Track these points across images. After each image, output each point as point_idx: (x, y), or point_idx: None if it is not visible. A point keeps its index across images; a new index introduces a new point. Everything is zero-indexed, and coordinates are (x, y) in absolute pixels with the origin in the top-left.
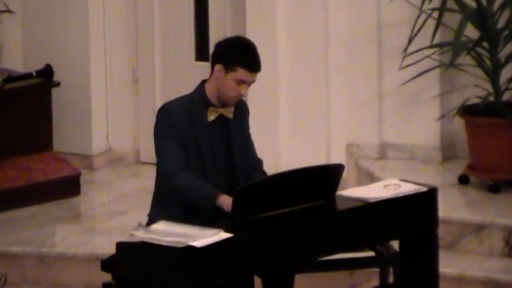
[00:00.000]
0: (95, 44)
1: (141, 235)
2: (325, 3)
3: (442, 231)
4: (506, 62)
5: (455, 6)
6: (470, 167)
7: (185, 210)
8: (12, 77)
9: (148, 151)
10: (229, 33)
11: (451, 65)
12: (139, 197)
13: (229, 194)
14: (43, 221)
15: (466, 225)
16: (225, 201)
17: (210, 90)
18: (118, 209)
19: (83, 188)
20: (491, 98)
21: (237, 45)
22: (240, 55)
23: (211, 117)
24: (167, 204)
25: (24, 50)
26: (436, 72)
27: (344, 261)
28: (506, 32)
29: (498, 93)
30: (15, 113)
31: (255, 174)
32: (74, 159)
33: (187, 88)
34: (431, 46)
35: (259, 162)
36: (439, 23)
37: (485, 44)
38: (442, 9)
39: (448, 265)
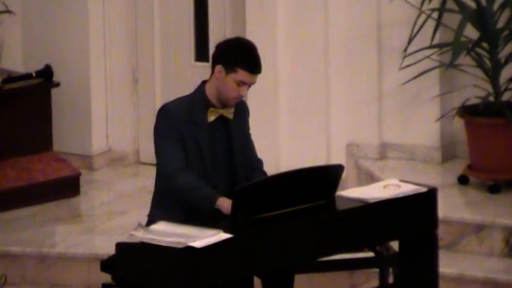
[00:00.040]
0: (94, 44)
1: (141, 235)
2: (325, 3)
3: (442, 231)
4: (506, 62)
5: (455, 7)
6: (470, 167)
7: (185, 210)
8: (12, 78)
9: (148, 151)
10: (229, 33)
11: (451, 65)
12: (139, 197)
13: (229, 194)
14: (43, 221)
15: (466, 225)
16: (224, 203)
17: (210, 91)
18: (118, 209)
19: (82, 188)
20: (491, 98)
21: (238, 46)
22: (240, 56)
23: (211, 118)
24: (167, 204)
25: (24, 50)
26: (436, 73)
27: (344, 262)
28: (506, 32)
29: (498, 93)
30: (15, 113)
31: (255, 174)
32: (73, 160)
33: (187, 88)
34: (431, 46)
35: (259, 162)
36: (438, 23)
37: (485, 44)
38: (441, 9)
39: (447, 265)
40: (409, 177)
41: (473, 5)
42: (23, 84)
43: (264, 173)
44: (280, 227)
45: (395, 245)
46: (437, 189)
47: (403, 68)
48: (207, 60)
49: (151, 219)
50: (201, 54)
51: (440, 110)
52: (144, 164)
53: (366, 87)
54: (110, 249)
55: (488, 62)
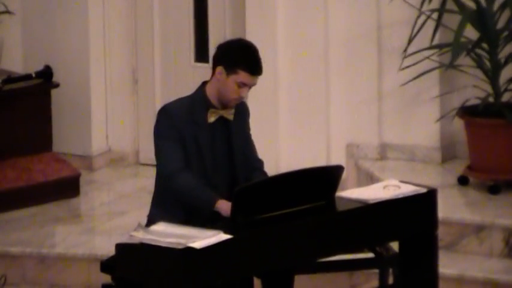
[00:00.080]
0: (94, 45)
1: (141, 236)
2: (325, 3)
3: (441, 231)
4: (506, 62)
5: (454, 7)
6: (470, 167)
7: (185, 211)
8: (11, 78)
9: (148, 151)
10: (228, 33)
11: (451, 65)
12: (139, 197)
13: (229, 194)
14: (43, 222)
15: (466, 225)
16: (223, 206)
17: (210, 92)
18: (118, 210)
19: (82, 189)
20: (491, 99)
21: (239, 48)
22: (242, 58)
23: (212, 119)
24: (167, 204)
25: (23, 51)
26: (435, 73)
27: (344, 263)
28: (505, 33)
29: (498, 94)
30: (15, 114)
31: (255, 174)
32: (73, 160)
33: (186, 89)
34: (430, 47)
35: (259, 162)
36: (438, 24)
37: (484, 45)
38: (441, 10)
39: (447, 266)
40: (409, 178)
41: (473, 5)
42: (22, 84)
43: (265, 173)
44: (280, 228)
45: (395, 245)
46: (437, 190)
47: (403, 68)
48: (206, 60)
49: (151, 220)
50: (200, 54)
51: (440, 110)
52: (144, 164)
53: (366, 87)
54: (109, 250)
55: (488, 63)
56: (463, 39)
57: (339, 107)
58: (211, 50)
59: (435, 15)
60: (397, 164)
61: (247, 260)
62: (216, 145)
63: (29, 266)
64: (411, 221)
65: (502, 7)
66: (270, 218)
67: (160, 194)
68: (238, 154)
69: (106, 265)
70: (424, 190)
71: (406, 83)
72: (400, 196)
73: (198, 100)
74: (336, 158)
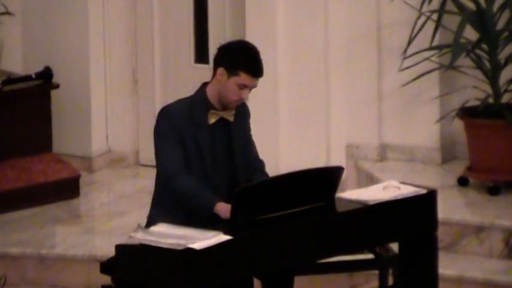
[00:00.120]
0: (94, 46)
1: (141, 237)
2: (325, 4)
3: (441, 232)
4: (506, 63)
5: (454, 8)
6: (469, 168)
7: (185, 212)
8: (11, 79)
9: (148, 152)
10: (228, 34)
11: (451, 66)
12: (139, 198)
13: (229, 195)
14: (43, 222)
15: (466, 226)
16: (223, 209)
17: (211, 93)
18: (118, 210)
19: (82, 189)
20: (491, 100)
21: (241, 49)
22: (243, 60)
23: (212, 120)
24: (167, 205)
25: (23, 52)
26: (435, 74)
27: (343, 263)
28: (505, 34)
29: (497, 94)
30: (14, 115)
31: (256, 175)
32: (73, 161)
33: (186, 89)
34: (430, 48)
35: (260, 163)
36: (438, 24)
37: (484, 46)
38: (441, 11)
39: (447, 266)
40: (409, 179)
41: (472, 6)
42: (22, 85)
43: (266, 174)
44: (280, 229)
45: (395, 246)
46: (436, 191)
47: (403, 69)
48: (206, 61)
49: (151, 220)
50: (200, 55)
51: (440, 111)
52: (143, 165)
53: (366, 88)
54: (109, 250)
55: (487, 64)
56: (462, 40)
57: (339, 108)
58: (211, 51)
59: (435, 16)
60: (397, 164)
61: (247, 261)
62: (216, 146)
63: (28, 267)
64: (411, 222)
65: (502, 8)
66: (270, 219)
67: (160, 195)
68: (239, 155)
69: (106, 266)
70: (424, 191)
71: (406, 83)
72: (400, 197)
73: (199, 101)
74: (336, 159)
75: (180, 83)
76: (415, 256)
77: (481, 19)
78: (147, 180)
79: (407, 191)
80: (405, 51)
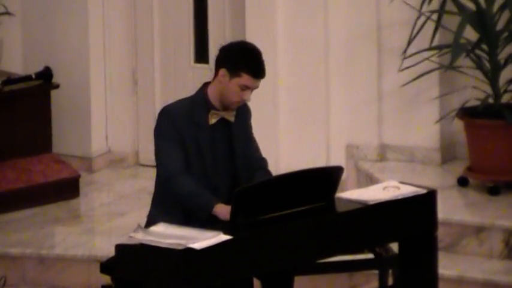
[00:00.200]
0: (94, 46)
1: (140, 237)
2: (325, 4)
3: (441, 232)
4: (506, 63)
5: (454, 9)
6: (469, 168)
7: (185, 212)
8: (11, 79)
9: (148, 152)
10: (228, 34)
11: (451, 66)
12: (139, 198)
13: (229, 195)
14: (43, 223)
15: (466, 226)
16: (222, 210)
17: (212, 94)
18: (117, 210)
19: (82, 190)
20: (491, 100)
21: (243, 50)
22: (245, 61)
23: (213, 120)
24: (167, 205)
25: (23, 52)
26: (435, 74)
27: (343, 263)
28: (505, 34)
29: (497, 95)
30: (14, 115)
31: (258, 174)
32: (73, 161)
33: (186, 89)
34: (430, 48)
35: (263, 161)
36: (438, 25)
37: (484, 46)
38: (441, 11)
39: (447, 267)
40: (409, 179)
41: (472, 6)
42: (22, 86)
43: (268, 172)
44: (279, 229)
45: (395, 246)
46: (436, 191)
47: (403, 69)
48: (206, 61)
49: (151, 220)
50: (200, 55)
51: (439, 111)
52: (143, 165)
53: (366, 88)
54: (109, 251)
55: (487, 64)
56: (462, 40)
57: (339, 108)
58: (211, 51)
59: (435, 16)
60: (397, 165)
61: (247, 261)
62: (216, 146)
63: (28, 267)
64: (411, 222)
65: (502, 8)
66: (270, 219)
67: (160, 195)
68: (240, 156)
69: (106, 266)
70: (423, 191)
71: (406, 83)
72: (400, 197)
73: (199, 101)
74: (336, 159)
75: (180, 83)
76: (415, 256)
77: (481, 19)
78: (147, 180)
79: (407, 191)
80: (405, 51)
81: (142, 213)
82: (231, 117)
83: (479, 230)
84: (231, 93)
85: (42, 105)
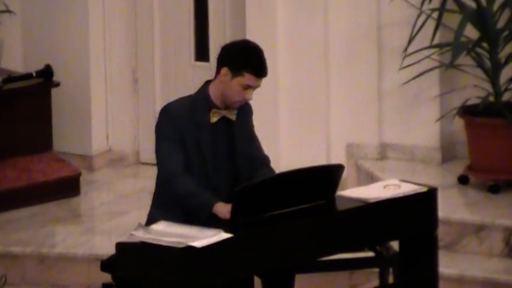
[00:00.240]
0: (94, 45)
1: (141, 235)
2: (325, 3)
3: (441, 231)
4: (506, 62)
5: (455, 7)
6: (470, 167)
7: (185, 212)
8: (12, 78)
9: (148, 151)
10: (229, 33)
11: (451, 65)
12: (139, 197)
13: (230, 195)
14: (43, 222)
15: (466, 225)
16: (222, 209)
17: (213, 92)
18: (118, 210)
19: (82, 189)
20: (491, 99)
21: (245, 50)
22: (248, 60)
23: (214, 119)
24: (167, 205)
25: (24, 50)
26: (436, 73)
27: (344, 262)
28: (506, 33)
29: (498, 93)
30: (15, 114)
31: (261, 172)
32: (73, 160)
33: (187, 88)
34: (431, 46)
35: (266, 159)
36: (438, 23)
37: (485, 45)
38: (441, 9)
39: (447, 265)
40: (409, 178)
41: (473, 5)
42: (23, 84)
43: (271, 169)
44: (280, 227)
45: (395, 245)
46: (437, 189)
47: (403, 68)
48: (207, 59)
49: (151, 220)
50: (201, 53)
51: (440, 110)
52: (144, 164)
53: (366, 87)
54: (109, 250)
55: (488, 62)
56: (463, 39)
57: (339, 107)
58: (212, 49)
59: (435, 15)
60: (397, 163)
61: (247, 259)
62: (217, 146)
63: (29, 266)
64: (411, 220)
65: (502, 7)
66: (270, 218)
67: (160, 195)
68: (241, 155)
69: (106, 264)
70: (424, 189)
71: (407, 82)
72: (400, 195)
73: (201, 100)
74: (336, 158)
75: (181, 81)
76: (416, 255)
77: (481, 18)
78: (148, 179)
79: (407, 189)
80: (406, 49)
81: (142, 212)
82: (232, 115)
83: (479, 229)
84: (233, 92)
85: (43, 104)
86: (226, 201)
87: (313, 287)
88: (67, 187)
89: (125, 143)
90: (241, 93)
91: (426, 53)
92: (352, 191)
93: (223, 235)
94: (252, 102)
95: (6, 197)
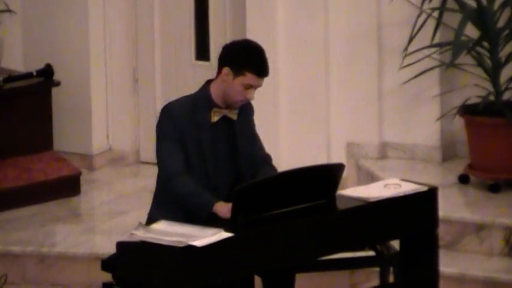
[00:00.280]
0: (95, 44)
1: (141, 234)
2: (325, 3)
3: (442, 230)
4: (507, 61)
5: (455, 6)
6: (470, 166)
7: (185, 211)
8: (12, 77)
9: (149, 150)
10: (229, 33)
11: (451, 64)
12: (140, 196)
13: (230, 195)
14: (43, 221)
15: (466, 224)
16: (222, 209)
17: (215, 92)
18: (118, 209)
19: (83, 188)
20: (492, 98)
21: (247, 49)
22: (249, 60)
23: (215, 118)
24: (168, 204)
25: (24, 50)
26: (436, 72)
27: (344, 261)
28: (506, 32)
29: (498, 92)
30: (15, 113)
31: (263, 170)
32: (74, 159)
33: (187, 87)
34: (431, 46)
35: (268, 157)
36: (439, 22)
37: (485, 44)
38: (442, 8)
39: (448, 265)
40: (410, 177)
41: (473, 4)
42: (23, 83)
43: (273, 167)
44: (280, 226)
45: (395, 244)
46: (437, 189)
47: (404, 67)
48: (207, 58)
49: (151, 218)
50: (201, 52)
51: (440, 109)
52: (144, 163)
53: (366, 86)
54: (110, 249)
55: (488, 61)
56: (463, 38)
57: (339, 106)
58: (212, 48)
59: (436, 14)
60: (398, 163)
61: (248, 259)
62: (218, 145)
63: (29, 265)
64: (412, 220)
65: (503, 6)
66: (271, 217)
67: (161, 194)
68: (243, 154)
69: (107, 263)
70: (424, 188)
71: (407, 81)
72: (401, 194)
73: (202, 99)
74: (336, 157)
75: (181, 81)
76: (416, 254)
77: (482, 17)
78: (148, 179)
79: (408, 188)
80: (406, 48)
81: (143, 212)
82: (233, 115)
83: (479, 228)
84: (234, 92)
85: (43, 103)
86: (226, 201)
87: (313, 286)
88: (67, 186)
89: (125, 142)
90: (243, 92)
91: (426, 52)
92: (352, 190)
93: (224, 234)
94: (252, 102)
95: (6, 196)
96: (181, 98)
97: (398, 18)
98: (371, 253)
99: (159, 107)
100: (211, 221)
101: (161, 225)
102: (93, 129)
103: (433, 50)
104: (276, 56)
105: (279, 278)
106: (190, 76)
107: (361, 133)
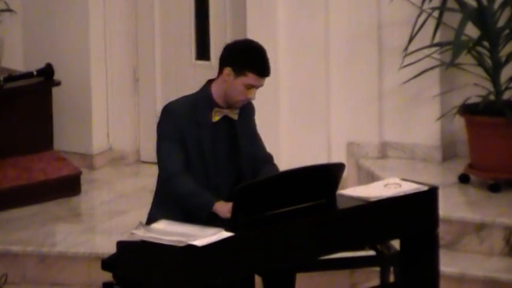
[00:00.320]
0: (95, 44)
1: (142, 234)
2: (325, 3)
3: (442, 230)
4: (507, 61)
5: (455, 6)
6: (470, 166)
7: (185, 211)
8: (12, 76)
9: (149, 150)
10: (229, 32)
11: (452, 64)
12: (140, 196)
13: (230, 195)
14: (43, 221)
15: (467, 224)
16: (222, 208)
17: (216, 92)
18: (118, 209)
19: (83, 187)
20: (492, 97)
21: (248, 49)
22: (251, 60)
23: (216, 118)
24: (168, 204)
25: (24, 49)
26: (436, 72)
27: (344, 260)
28: (506, 31)
29: (498, 92)
30: (15, 113)
31: (264, 169)
32: (74, 159)
33: (187, 87)
34: (431, 45)
35: (269, 157)
36: (439, 22)
37: (485, 43)
38: (442, 8)
39: (448, 264)
40: (410, 177)
41: (474, 3)
42: (23, 83)
43: (275, 166)
44: (281, 226)
45: (396, 243)
46: (438, 188)
47: (404, 67)
48: (207, 58)
49: (151, 218)
50: (201, 52)
51: (440, 109)
52: (144, 163)
53: (366, 86)
54: (110, 249)
55: (489, 61)
56: (463, 38)
57: (340, 106)
58: (212, 48)
59: (436, 14)
60: (398, 162)
61: (248, 258)
62: (218, 145)
63: (29, 265)
64: (412, 219)
65: (503, 5)
66: (271, 216)
67: (161, 194)
68: (244, 154)
69: (107, 263)
70: (425, 188)
71: (407, 81)
72: (401, 194)
73: (203, 99)
74: (337, 157)
75: (181, 80)
76: (416, 254)
77: (482, 16)
78: (148, 178)
79: (408, 188)
80: (406, 48)
81: (143, 211)
82: (234, 115)
83: (480, 228)
84: (236, 92)
85: (43, 103)
86: (227, 201)
87: (313, 285)
88: (67, 186)
89: (125, 142)
90: (244, 92)
91: (427, 52)
92: (352, 190)
93: (224, 234)
94: (252, 102)
95: (6, 196)
96: (181, 97)
97: (398, 18)
98: (371, 253)
99: (159, 107)
100: (212, 220)
101: (161, 225)
102: (94, 128)
103: (433, 49)
104: (276, 56)
105: (280, 277)
106: (191, 76)
107: (361, 133)
